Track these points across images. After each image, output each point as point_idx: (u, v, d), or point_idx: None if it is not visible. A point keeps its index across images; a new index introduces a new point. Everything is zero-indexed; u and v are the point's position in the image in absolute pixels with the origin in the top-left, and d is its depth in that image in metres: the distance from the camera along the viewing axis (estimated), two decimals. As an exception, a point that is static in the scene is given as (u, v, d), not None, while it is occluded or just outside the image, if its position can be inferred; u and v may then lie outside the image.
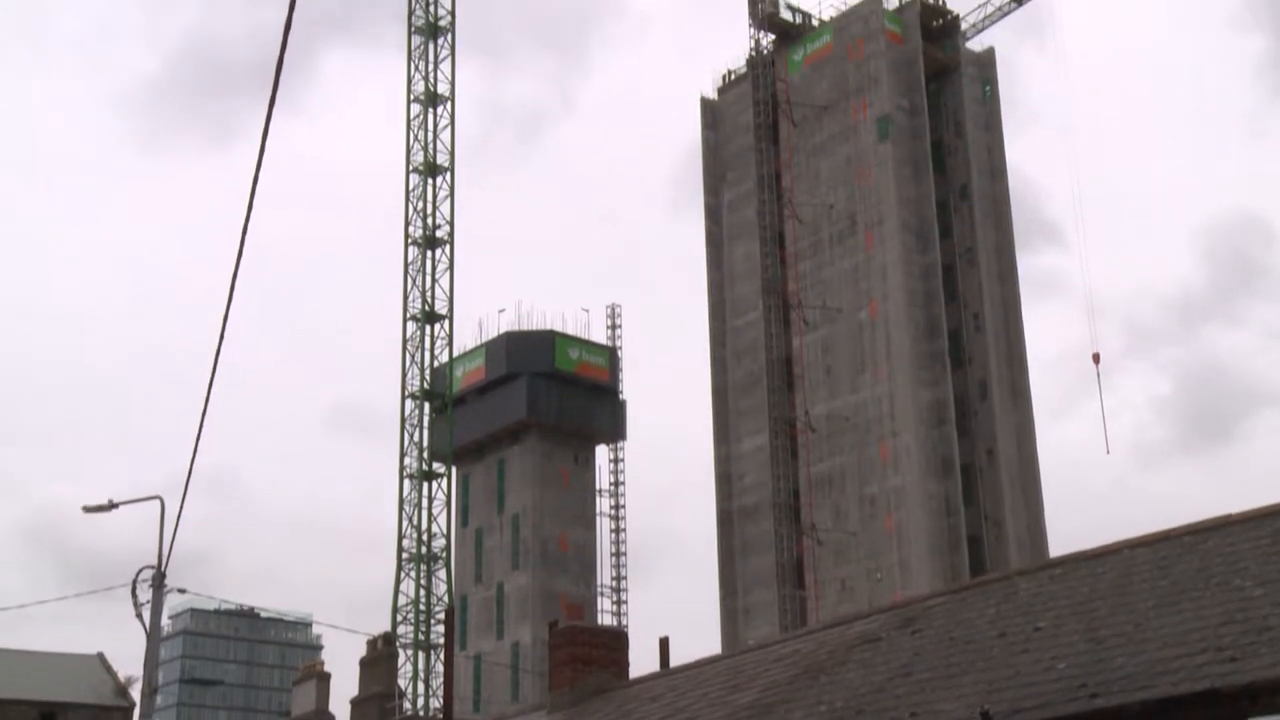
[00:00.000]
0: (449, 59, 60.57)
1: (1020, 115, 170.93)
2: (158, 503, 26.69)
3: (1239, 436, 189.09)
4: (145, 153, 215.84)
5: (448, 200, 59.42)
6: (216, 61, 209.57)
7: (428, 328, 58.25)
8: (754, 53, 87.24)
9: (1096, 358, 77.14)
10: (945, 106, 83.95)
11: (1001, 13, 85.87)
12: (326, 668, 43.41)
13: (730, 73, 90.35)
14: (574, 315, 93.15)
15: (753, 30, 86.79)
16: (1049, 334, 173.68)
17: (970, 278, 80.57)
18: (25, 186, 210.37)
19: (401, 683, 50.77)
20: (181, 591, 28.60)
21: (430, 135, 59.56)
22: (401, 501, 56.81)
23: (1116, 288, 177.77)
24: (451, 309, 58.78)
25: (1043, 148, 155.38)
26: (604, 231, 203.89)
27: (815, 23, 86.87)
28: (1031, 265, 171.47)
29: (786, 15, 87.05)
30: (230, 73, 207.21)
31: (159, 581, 26.18)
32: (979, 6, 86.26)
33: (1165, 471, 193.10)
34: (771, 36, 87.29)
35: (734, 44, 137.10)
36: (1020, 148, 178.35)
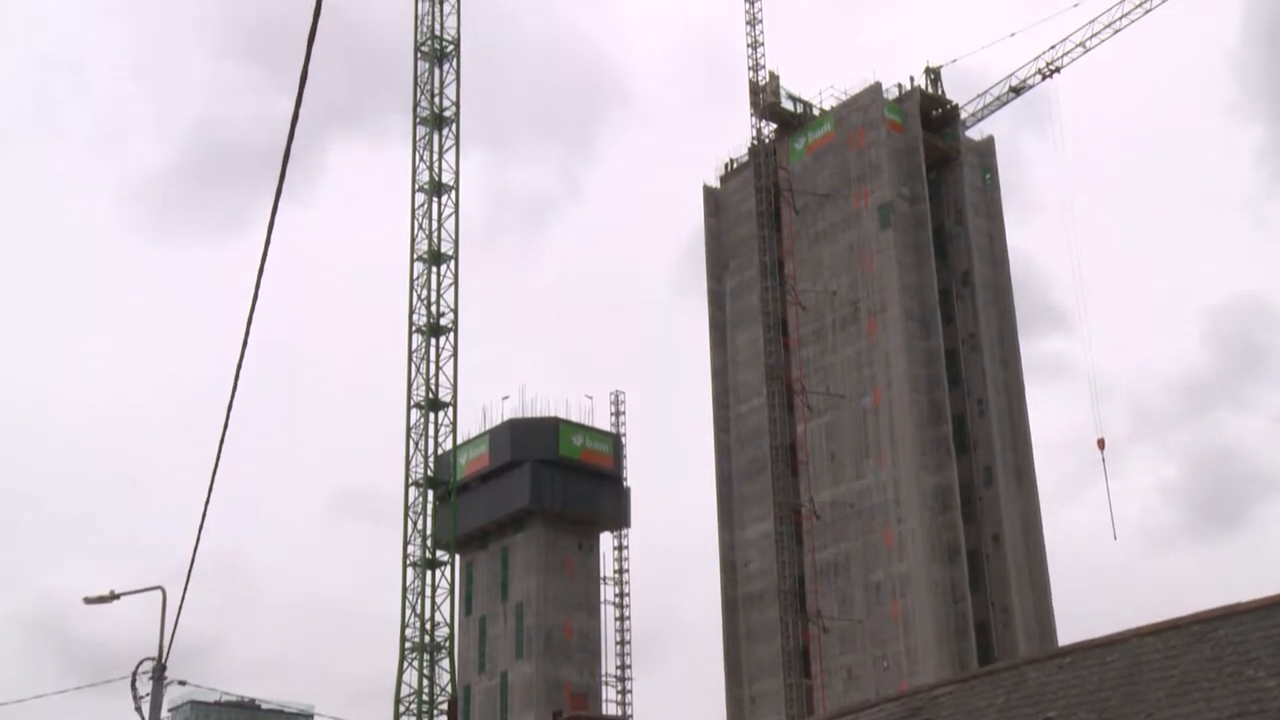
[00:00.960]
0: (453, 149, 61.32)
1: (1024, 199, 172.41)
2: (159, 593, 26.52)
3: (1249, 521, 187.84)
4: (153, 242, 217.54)
5: (451, 288, 59.81)
6: (225, 151, 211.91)
7: (432, 415, 58.32)
8: (756, 141, 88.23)
9: (1101, 443, 77.03)
10: (946, 194, 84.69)
11: (1000, 103, 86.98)
12: (328, 760, 42.75)
13: (732, 161, 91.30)
14: (578, 402, 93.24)
15: (754, 119, 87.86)
16: (1056, 418, 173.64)
17: (973, 363, 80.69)
18: (33, 276, 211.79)
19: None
20: (182, 684, 28.33)
21: (434, 224, 60.13)
22: (405, 590, 56.46)
23: (1122, 371, 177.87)
24: (455, 396, 58.94)
25: (1047, 232, 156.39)
26: (608, 317, 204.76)
27: (816, 112, 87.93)
28: (1038, 349, 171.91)
29: (788, 105, 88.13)
30: (239, 162, 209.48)
31: (159, 674, 25.93)
32: (978, 96, 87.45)
33: (1174, 557, 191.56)
34: (773, 126, 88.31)
35: (736, 132, 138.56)
36: (1025, 231, 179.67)
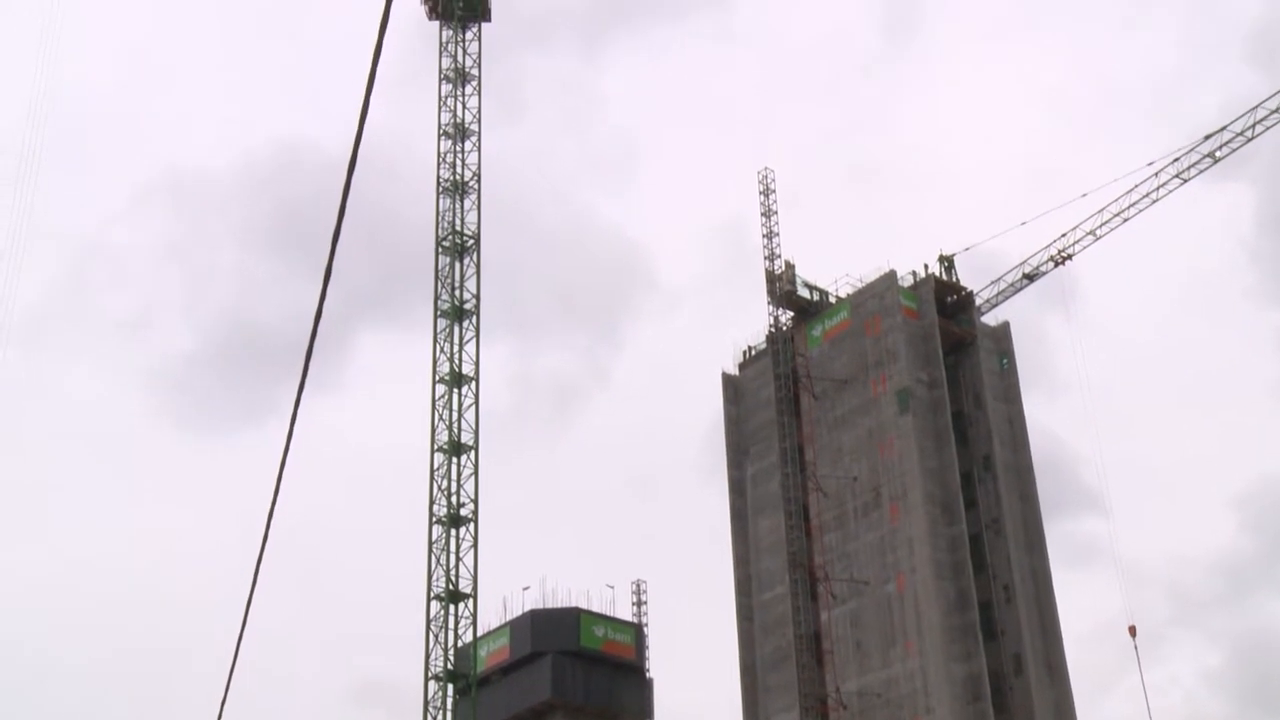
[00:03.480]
0: (474, 340, 62.15)
1: (1052, 379, 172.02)
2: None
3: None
4: (181, 428, 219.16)
5: (472, 478, 59.89)
6: (255, 339, 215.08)
7: (452, 607, 57.74)
8: (773, 329, 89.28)
9: (1133, 630, 75.45)
10: (964, 378, 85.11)
11: (1015, 289, 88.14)
12: None
13: (750, 348, 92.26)
14: (599, 592, 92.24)
15: (771, 308, 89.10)
16: (1092, 603, 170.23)
17: (998, 549, 79.80)
18: (62, 464, 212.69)
19: None
20: None
21: (455, 414, 60.54)
22: (423, 789, 55.08)
23: (1158, 555, 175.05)
24: (476, 588, 58.35)
25: (1076, 412, 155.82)
26: (629, 505, 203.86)
27: (832, 299, 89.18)
28: (1070, 531, 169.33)
29: (804, 293, 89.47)
30: (268, 350, 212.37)
31: None
32: (992, 283, 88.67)
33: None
34: (790, 313, 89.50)
35: (754, 320, 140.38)
36: (1054, 411, 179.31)
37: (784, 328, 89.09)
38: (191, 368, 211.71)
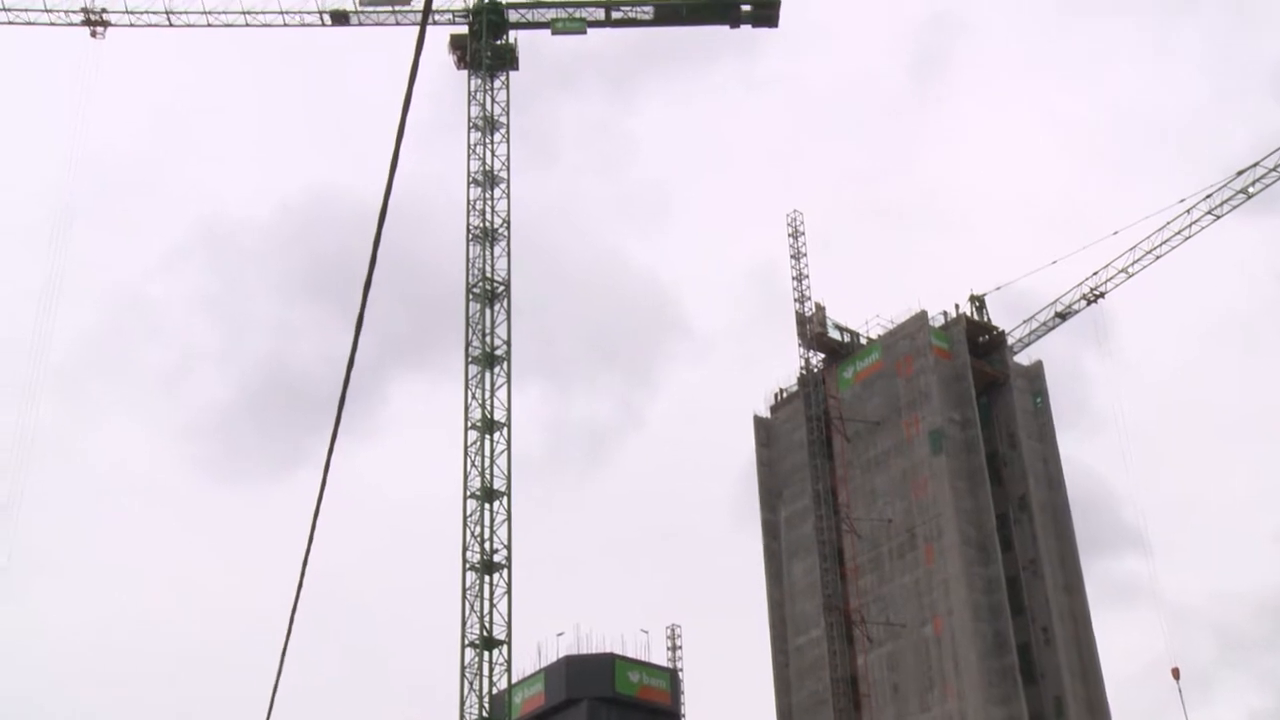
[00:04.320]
0: (505, 386, 62.30)
1: (1091, 416, 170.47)
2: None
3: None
4: (217, 479, 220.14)
5: (505, 524, 59.86)
6: (289, 388, 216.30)
7: (486, 654, 57.58)
8: (804, 371, 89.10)
9: (1176, 672, 74.31)
10: (997, 419, 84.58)
11: (1047, 328, 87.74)
12: None
13: (782, 391, 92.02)
14: (633, 637, 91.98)
15: (802, 350, 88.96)
16: (1133, 644, 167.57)
17: (1036, 590, 78.94)
18: (99, 515, 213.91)
19: None
20: None
21: (487, 461, 60.64)
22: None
23: (1202, 594, 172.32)
24: (510, 634, 58.22)
25: (1113, 450, 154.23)
26: (664, 549, 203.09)
27: (863, 340, 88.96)
28: (1111, 570, 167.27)
29: (835, 335, 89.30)
30: (303, 399, 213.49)
31: None
32: (1024, 322, 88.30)
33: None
34: (821, 355, 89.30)
35: (786, 362, 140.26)
36: (1092, 449, 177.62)
37: (815, 370, 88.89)
38: (228, 417, 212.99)
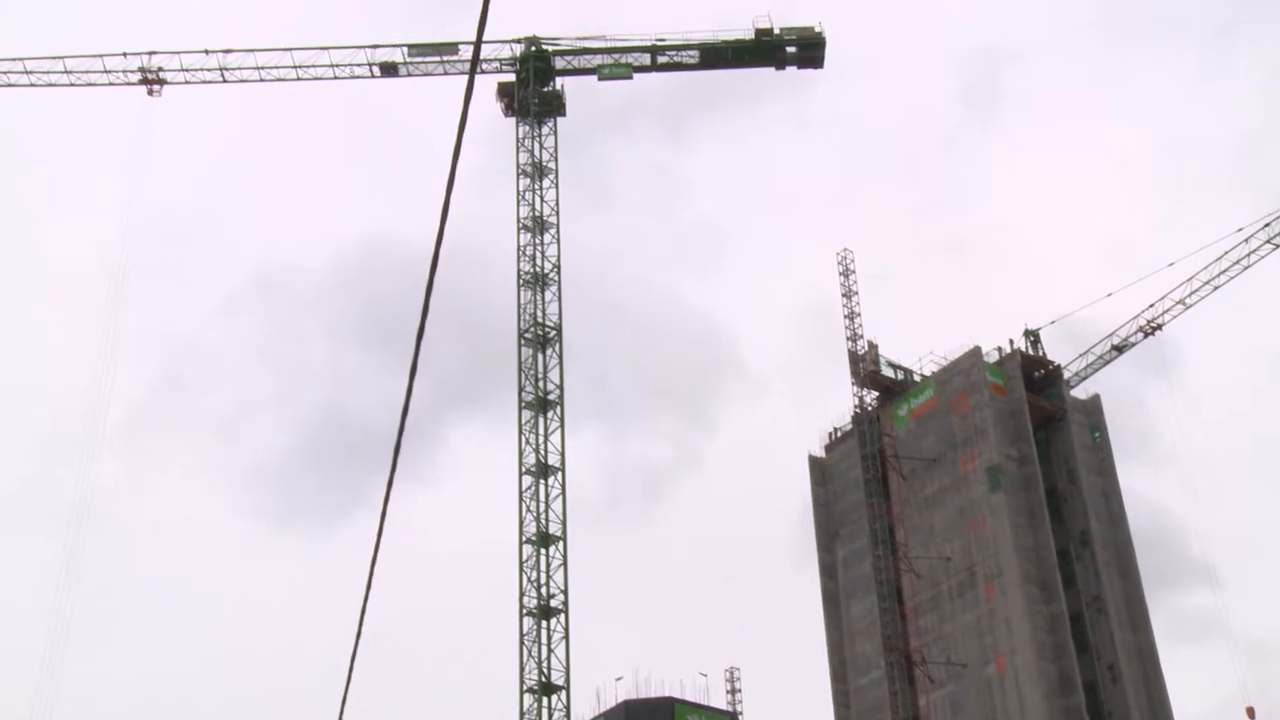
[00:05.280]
0: (559, 431, 62.38)
1: (1158, 449, 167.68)
2: None
3: None
4: (275, 526, 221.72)
5: (561, 569, 59.76)
6: (346, 434, 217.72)
7: (545, 699, 57.37)
8: (858, 409, 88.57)
9: (1251, 711, 72.86)
10: (1055, 454, 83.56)
11: (1104, 361, 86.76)
12: None
13: (836, 430, 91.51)
14: (692, 680, 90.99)
15: (856, 388, 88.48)
16: (1206, 682, 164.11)
17: (1101, 627, 77.63)
18: (161, 564, 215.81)
19: None
20: None
21: (542, 506, 60.66)
22: None
23: (1278, 629, 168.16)
24: (568, 679, 58.05)
25: (1179, 483, 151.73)
26: (722, 591, 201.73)
27: (917, 378, 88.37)
28: (1180, 606, 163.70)
29: (888, 372, 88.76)
30: (360, 444, 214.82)
31: None
32: (1080, 356, 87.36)
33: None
34: (875, 393, 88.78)
35: (842, 400, 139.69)
36: (1159, 482, 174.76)
37: (869, 408, 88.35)
38: (286, 464, 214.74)
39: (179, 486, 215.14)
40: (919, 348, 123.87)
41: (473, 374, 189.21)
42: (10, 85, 75.10)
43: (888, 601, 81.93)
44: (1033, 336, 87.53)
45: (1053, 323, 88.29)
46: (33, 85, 74.94)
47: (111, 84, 74.79)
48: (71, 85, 74.64)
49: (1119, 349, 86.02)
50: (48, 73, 74.27)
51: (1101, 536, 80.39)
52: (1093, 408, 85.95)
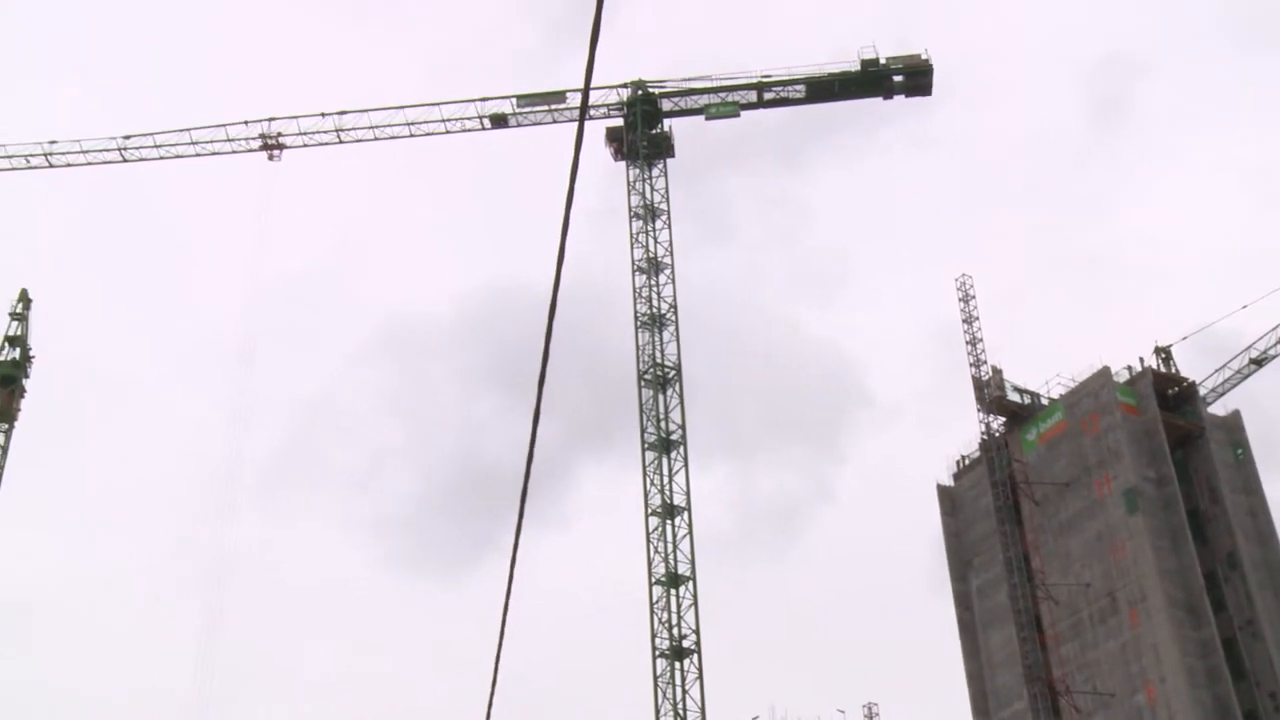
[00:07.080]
0: (683, 470, 62.26)
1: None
2: None
3: None
4: (409, 574, 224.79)
5: (692, 609, 59.48)
6: (478, 479, 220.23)
7: (681, 742, 57.01)
8: (985, 436, 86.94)
9: None
10: (1196, 473, 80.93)
11: (1241, 376, 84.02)
12: None
13: (964, 458, 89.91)
14: (829, 717, 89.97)
15: (982, 415, 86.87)
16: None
17: (1257, 652, 74.69)
18: (300, 618, 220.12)
19: None
20: None
21: (670, 546, 60.51)
22: None
23: None
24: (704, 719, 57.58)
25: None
26: (858, 624, 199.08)
27: (1045, 401, 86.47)
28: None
29: (1014, 397, 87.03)
30: (491, 488, 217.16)
31: None
32: (1216, 371, 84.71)
33: None
34: (1001, 419, 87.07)
35: (968, 427, 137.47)
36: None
37: (997, 434, 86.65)
38: (419, 512, 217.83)
39: (314, 540, 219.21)
40: (1046, 370, 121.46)
41: (602, 414, 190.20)
42: (141, 160, 78.01)
43: (1027, 630, 79.95)
44: (1164, 354, 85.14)
45: (1185, 339, 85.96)
46: (162, 158, 77.77)
47: (235, 151, 77.17)
48: (197, 155, 77.23)
49: (1257, 362, 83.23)
50: (174, 145, 76.99)
51: (1251, 557, 77.49)
52: (1233, 424, 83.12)
